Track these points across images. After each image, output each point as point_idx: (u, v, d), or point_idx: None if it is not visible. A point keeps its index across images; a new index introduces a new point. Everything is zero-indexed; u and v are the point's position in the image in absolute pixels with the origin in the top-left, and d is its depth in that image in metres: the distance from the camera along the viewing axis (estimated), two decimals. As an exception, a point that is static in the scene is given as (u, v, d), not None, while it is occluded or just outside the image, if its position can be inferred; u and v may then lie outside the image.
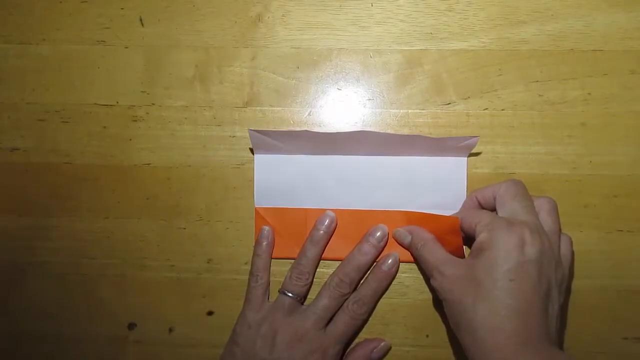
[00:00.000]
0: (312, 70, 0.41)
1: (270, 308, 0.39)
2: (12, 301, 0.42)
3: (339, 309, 0.39)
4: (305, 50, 0.41)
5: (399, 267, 0.40)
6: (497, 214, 0.36)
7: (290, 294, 0.39)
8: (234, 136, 0.41)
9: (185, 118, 0.41)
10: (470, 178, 0.40)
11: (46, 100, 0.42)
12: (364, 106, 0.41)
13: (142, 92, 0.42)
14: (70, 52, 0.42)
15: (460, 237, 0.37)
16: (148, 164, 0.41)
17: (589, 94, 0.40)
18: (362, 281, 0.40)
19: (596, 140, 0.40)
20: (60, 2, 0.42)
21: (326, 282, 0.39)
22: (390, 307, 0.41)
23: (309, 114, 0.41)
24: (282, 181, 0.40)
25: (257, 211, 0.41)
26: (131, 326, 0.41)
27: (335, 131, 0.40)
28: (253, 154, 0.41)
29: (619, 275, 0.40)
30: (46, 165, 0.42)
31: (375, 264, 0.40)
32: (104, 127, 0.42)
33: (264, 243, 0.40)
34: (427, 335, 0.41)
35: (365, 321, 0.40)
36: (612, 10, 0.40)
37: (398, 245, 0.40)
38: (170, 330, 0.41)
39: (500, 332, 0.31)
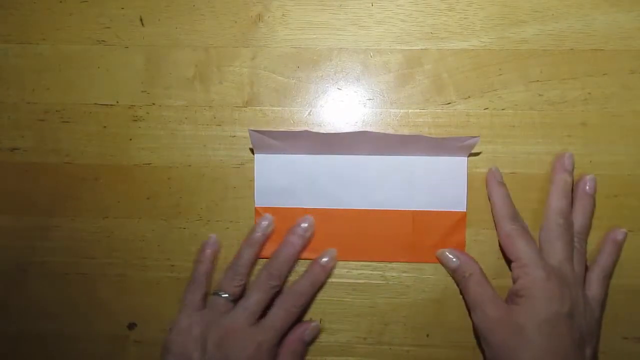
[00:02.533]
0: (312, 70, 0.41)
1: (204, 311, 0.39)
2: (12, 301, 0.42)
3: (272, 303, 0.39)
4: (306, 50, 0.41)
5: (335, 263, 0.40)
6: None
7: (223, 294, 0.38)
8: (234, 136, 0.41)
9: (186, 118, 0.41)
10: (470, 178, 0.40)
11: (46, 100, 0.42)
12: (364, 106, 0.41)
13: (142, 91, 0.42)
14: (70, 52, 0.42)
15: (464, 232, 0.39)
16: (148, 163, 0.41)
17: (589, 93, 0.40)
18: (300, 275, 0.40)
19: (596, 140, 0.40)
20: (60, 2, 0.42)
21: (256, 277, 0.39)
22: (390, 307, 0.41)
23: (309, 114, 0.41)
24: (283, 181, 0.40)
25: (257, 211, 0.41)
26: (131, 326, 0.41)
27: (335, 131, 0.40)
28: (253, 153, 0.41)
29: (619, 275, 0.40)
30: (46, 165, 0.42)
31: (314, 259, 0.40)
32: (104, 127, 0.42)
33: (207, 251, 0.40)
34: (427, 335, 0.41)
35: (300, 314, 0.39)
36: (612, 9, 0.40)
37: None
38: (171, 330, 0.41)
39: None
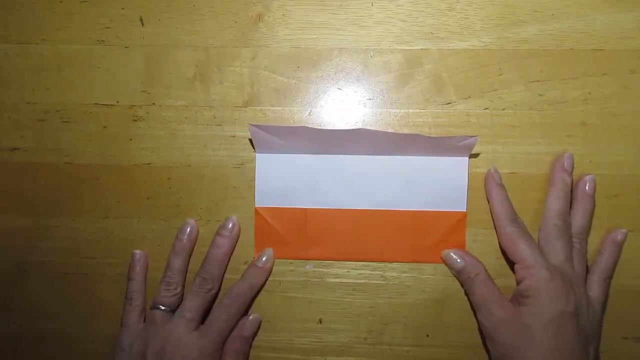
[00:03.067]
0: (312, 70, 0.41)
1: (143, 327, 0.39)
2: (12, 301, 0.42)
3: (211, 307, 0.39)
4: (306, 50, 0.41)
5: (274, 262, 0.41)
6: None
7: (161, 307, 0.39)
8: (234, 136, 0.41)
9: (186, 118, 0.41)
10: (470, 178, 0.40)
11: (46, 100, 0.42)
12: (364, 106, 0.41)
13: (142, 92, 0.42)
14: (70, 52, 0.42)
15: (464, 232, 0.39)
16: (148, 163, 0.41)
17: (589, 93, 0.40)
18: (240, 277, 0.40)
19: (596, 140, 0.40)
20: (60, 2, 0.42)
21: (191, 284, 0.39)
22: (390, 307, 0.41)
23: (309, 114, 0.41)
24: (283, 181, 0.40)
25: (257, 211, 0.41)
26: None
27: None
28: (254, 150, 0.41)
29: (619, 275, 0.40)
30: (46, 165, 0.42)
31: (251, 261, 0.40)
32: (104, 127, 0.42)
33: (137, 267, 0.41)
34: (427, 335, 0.41)
35: (240, 315, 0.40)
36: (612, 10, 0.40)
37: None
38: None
39: None
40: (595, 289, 0.38)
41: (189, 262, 0.41)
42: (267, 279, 0.41)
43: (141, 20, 0.42)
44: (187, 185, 0.41)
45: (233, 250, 0.41)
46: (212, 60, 0.41)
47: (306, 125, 0.41)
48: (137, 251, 0.41)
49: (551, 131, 0.40)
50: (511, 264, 0.39)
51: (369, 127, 0.41)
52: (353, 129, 0.39)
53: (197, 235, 0.41)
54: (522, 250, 0.37)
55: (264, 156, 0.41)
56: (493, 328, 0.37)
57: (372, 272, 0.41)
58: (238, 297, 0.39)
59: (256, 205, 0.41)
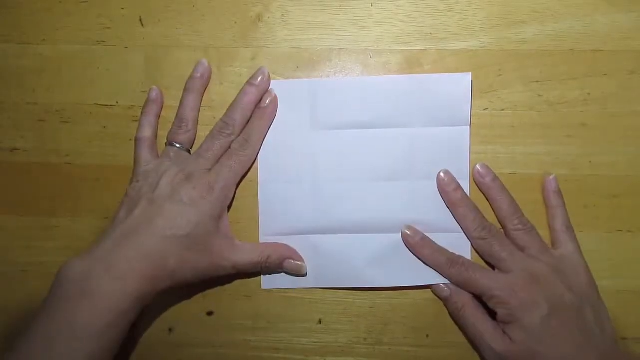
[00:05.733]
0: (312, 71, 0.41)
1: (158, 161, 0.39)
2: (13, 301, 0.42)
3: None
4: (305, 50, 0.41)
5: (277, 104, 0.40)
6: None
7: (175, 144, 0.39)
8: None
9: (185, 118, 0.41)
10: (470, 178, 0.40)
11: (46, 100, 0.42)
12: (364, 106, 0.41)
13: (142, 92, 0.42)
14: (70, 52, 0.42)
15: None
16: (148, 164, 0.41)
17: (589, 94, 0.40)
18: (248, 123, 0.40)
19: (596, 140, 0.40)
20: (60, 2, 0.42)
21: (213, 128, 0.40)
22: (390, 307, 0.41)
23: (309, 114, 0.41)
24: (286, 161, 0.41)
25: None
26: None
27: (336, 130, 0.40)
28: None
29: (619, 275, 0.40)
30: (46, 165, 0.42)
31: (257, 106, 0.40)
32: (104, 127, 0.42)
33: (151, 103, 0.41)
34: (427, 335, 0.41)
35: (250, 162, 0.40)
36: (612, 10, 0.41)
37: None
38: (170, 330, 0.41)
39: None
40: (564, 243, 0.38)
41: (201, 101, 0.41)
42: (272, 121, 0.41)
43: (141, 20, 0.42)
44: (187, 186, 0.41)
45: (259, 101, 0.40)
46: (212, 60, 0.42)
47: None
48: (155, 88, 0.41)
49: (551, 131, 0.40)
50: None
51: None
52: (353, 79, 0.40)
53: (210, 76, 0.41)
54: (480, 284, 0.37)
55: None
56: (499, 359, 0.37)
57: (372, 272, 0.41)
58: (246, 142, 0.39)
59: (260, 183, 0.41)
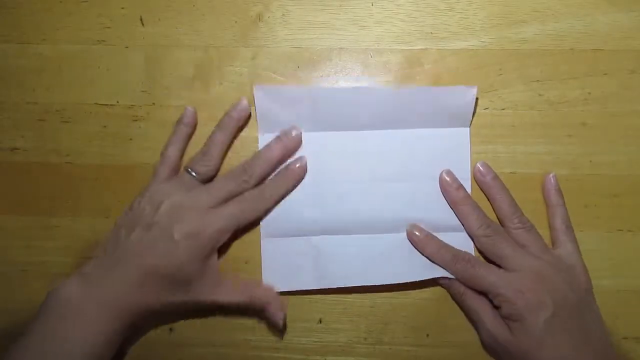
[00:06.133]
0: (312, 70, 0.41)
1: (172, 182, 0.39)
2: (13, 301, 0.42)
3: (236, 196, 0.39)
4: (306, 49, 0.41)
5: (306, 169, 0.40)
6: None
7: (192, 173, 0.39)
8: (233, 136, 0.41)
9: (186, 118, 0.41)
10: (471, 177, 0.40)
11: (46, 100, 0.42)
12: (364, 106, 0.41)
13: (142, 91, 0.42)
14: (70, 52, 0.42)
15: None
16: (148, 163, 0.41)
17: (589, 93, 0.40)
18: (270, 179, 0.40)
19: (596, 140, 0.40)
20: (60, 2, 0.42)
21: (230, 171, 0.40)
22: (390, 307, 0.41)
23: (309, 114, 0.41)
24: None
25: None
26: (131, 326, 0.41)
27: (335, 130, 0.40)
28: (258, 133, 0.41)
29: (619, 274, 0.40)
30: (46, 165, 0.42)
31: (285, 164, 0.40)
32: (104, 127, 0.42)
33: (183, 127, 0.40)
34: (427, 335, 0.41)
35: (257, 216, 0.39)
36: (612, 9, 0.40)
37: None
38: (170, 330, 0.41)
39: None
40: (563, 243, 0.39)
41: (231, 140, 0.40)
42: (296, 185, 0.40)
43: (141, 20, 0.42)
44: (187, 185, 0.41)
45: (285, 159, 0.40)
46: (212, 60, 0.41)
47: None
48: (190, 109, 0.41)
49: (551, 131, 0.40)
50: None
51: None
52: (355, 88, 0.40)
53: (247, 118, 0.41)
54: (486, 281, 0.37)
55: (267, 136, 0.41)
56: (491, 346, 0.38)
57: (372, 272, 0.41)
58: (264, 198, 0.39)
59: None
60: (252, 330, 0.41)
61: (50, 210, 0.42)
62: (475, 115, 0.41)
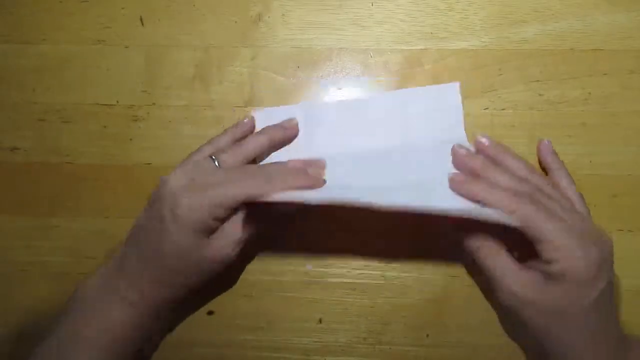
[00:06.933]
0: (312, 70, 0.41)
1: (188, 166, 0.36)
2: (13, 301, 0.42)
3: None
4: (306, 50, 0.41)
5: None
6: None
7: (216, 162, 0.36)
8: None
9: (186, 118, 0.41)
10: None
11: (46, 100, 0.42)
12: (364, 106, 0.41)
13: (142, 91, 0.42)
14: (70, 52, 0.42)
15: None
16: (148, 163, 0.41)
17: (589, 93, 0.40)
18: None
19: (596, 140, 0.40)
20: (60, 2, 0.42)
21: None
22: (390, 307, 0.41)
23: (309, 114, 0.41)
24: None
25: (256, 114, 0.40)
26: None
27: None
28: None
29: (619, 275, 0.40)
30: (46, 165, 0.42)
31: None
32: (104, 127, 0.42)
33: (242, 126, 0.39)
34: (427, 335, 0.41)
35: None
36: (612, 9, 0.40)
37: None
38: (170, 330, 0.41)
39: (594, 353, 0.32)
40: (576, 202, 0.36)
41: (269, 150, 0.39)
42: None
43: (141, 20, 0.42)
44: (187, 185, 0.41)
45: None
46: (212, 60, 0.41)
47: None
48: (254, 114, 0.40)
49: (551, 131, 0.40)
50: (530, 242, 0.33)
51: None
52: (350, 101, 0.40)
53: (294, 137, 0.40)
54: (548, 228, 0.32)
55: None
56: (517, 308, 0.32)
57: (372, 272, 0.41)
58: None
59: None
60: (252, 330, 0.41)
61: (50, 210, 0.42)
62: (476, 115, 0.41)
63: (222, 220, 0.35)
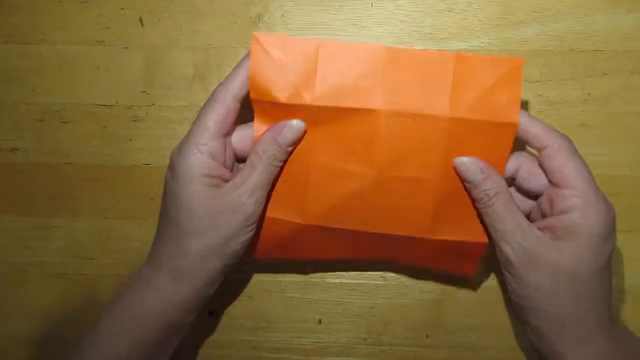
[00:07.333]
0: (312, 71, 0.41)
1: None
2: (12, 301, 0.42)
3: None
4: (305, 50, 0.41)
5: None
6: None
7: None
8: (233, 136, 0.41)
9: (185, 118, 0.41)
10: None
11: (46, 100, 0.42)
12: (364, 106, 0.41)
13: (142, 92, 0.42)
14: (70, 52, 0.42)
15: (520, 84, 0.32)
16: (148, 164, 0.41)
17: (589, 94, 0.40)
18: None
19: (596, 140, 0.40)
20: (60, 2, 0.42)
21: None
22: (390, 307, 0.41)
23: (309, 114, 0.41)
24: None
25: (254, 37, 0.33)
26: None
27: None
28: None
29: (619, 275, 0.40)
30: (46, 165, 0.42)
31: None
32: (104, 127, 0.42)
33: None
34: (427, 335, 0.41)
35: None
36: (612, 10, 0.40)
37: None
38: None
39: (595, 321, 0.31)
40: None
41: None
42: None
43: (141, 20, 0.42)
44: (187, 186, 0.41)
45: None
46: (212, 60, 0.41)
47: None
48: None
49: (551, 131, 0.40)
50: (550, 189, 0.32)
51: None
52: (374, 45, 0.32)
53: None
54: (577, 173, 0.31)
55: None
56: (523, 265, 0.31)
57: (372, 272, 0.41)
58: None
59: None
60: (252, 330, 0.41)
61: (50, 211, 0.42)
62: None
63: (222, 159, 0.33)
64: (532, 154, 0.34)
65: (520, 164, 0.34)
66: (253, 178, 0.33)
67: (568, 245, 0.30)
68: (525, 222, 0.31)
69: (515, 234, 0.31)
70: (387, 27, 0.41)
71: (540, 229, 0.32)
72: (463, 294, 0.40)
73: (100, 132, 0.42)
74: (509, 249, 0.31)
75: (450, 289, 0.40)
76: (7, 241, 0.42)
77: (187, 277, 0.33)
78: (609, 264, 0.31)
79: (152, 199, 0.41)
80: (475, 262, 0.36)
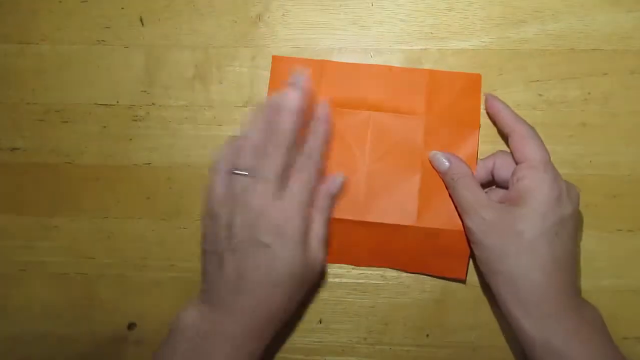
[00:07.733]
0: (312, 70, 0.41)
1: (225, 190, 0.36)
2: (12, 301, 0.42)
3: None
4: (306, 49, 0.41)
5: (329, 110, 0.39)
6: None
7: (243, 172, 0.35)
8: (234, 136, 0.41)
9: (186, 118, 0.41)
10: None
11: (46, 100, 0.42)
12: (364, 106, 0.41)
13: (142, 91, 0.42)
14: (70, 52, 0.42)
15: (479, 95, 0.40)
16: (148, 164, 0.41)
17: (589, 93, 0.40)
18: (308, 138, 0.37)
19: (596, 140, 0.40)
20: (60, 2, 0.42)
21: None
22: (390, 307, 0.41)
23: (309, 114, 0.41)
24: None
25: (274, 59, 0.41)
26: (131, 326, 0.41)
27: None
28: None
29: (619, 275, 0.40)
30: (46, 165, 0.42)
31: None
32: (104, 127, 0.42)
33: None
34: (427, 335, 0.41)
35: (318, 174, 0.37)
36: (612, 9, 0.40)
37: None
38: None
39: (545, 286, 0.33)
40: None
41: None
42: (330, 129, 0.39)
43: (141, 20, 0.42)
44: (187, 185, 0.41)
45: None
46: (212, 60, 0.41)
47: None
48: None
49: (551, 131, 0.40)
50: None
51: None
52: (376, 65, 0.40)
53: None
54: (533, 149, 0.35)
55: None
56: (481, 231, 0.35)
57: (372, 272, 0.41)
58: (313, 158, 0.37)
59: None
60: (252, 330, 0.41)
61: (50, 210, 0.42)
62: (475, 115, 0.41)
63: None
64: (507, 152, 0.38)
65: (496, 159, 0.38)
66: (322, 231, 0.37)
67: (519, 208, 0.34)
68: (484, 197, 0.36)
69: (475, 207, 0.35)
70: (387, 27, 0.41)
71: (501, 202, 0.36)
72: (463, 294, 0.40)
73: (101, 131, 0.42)
74: (469, 222, 0.36)
75: (451, 288, 0.40)
76: (7, 241, 0.42)
77: None
78: (562, 231, 0.33)
79: (147, 198, 0.41)
80: (463, 263, 0.39)
